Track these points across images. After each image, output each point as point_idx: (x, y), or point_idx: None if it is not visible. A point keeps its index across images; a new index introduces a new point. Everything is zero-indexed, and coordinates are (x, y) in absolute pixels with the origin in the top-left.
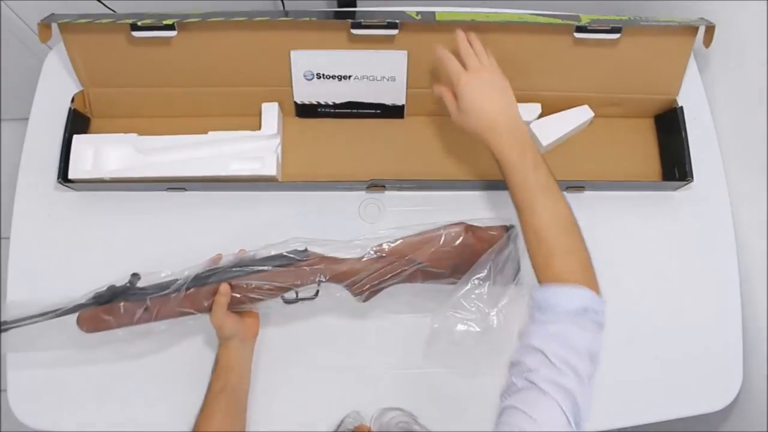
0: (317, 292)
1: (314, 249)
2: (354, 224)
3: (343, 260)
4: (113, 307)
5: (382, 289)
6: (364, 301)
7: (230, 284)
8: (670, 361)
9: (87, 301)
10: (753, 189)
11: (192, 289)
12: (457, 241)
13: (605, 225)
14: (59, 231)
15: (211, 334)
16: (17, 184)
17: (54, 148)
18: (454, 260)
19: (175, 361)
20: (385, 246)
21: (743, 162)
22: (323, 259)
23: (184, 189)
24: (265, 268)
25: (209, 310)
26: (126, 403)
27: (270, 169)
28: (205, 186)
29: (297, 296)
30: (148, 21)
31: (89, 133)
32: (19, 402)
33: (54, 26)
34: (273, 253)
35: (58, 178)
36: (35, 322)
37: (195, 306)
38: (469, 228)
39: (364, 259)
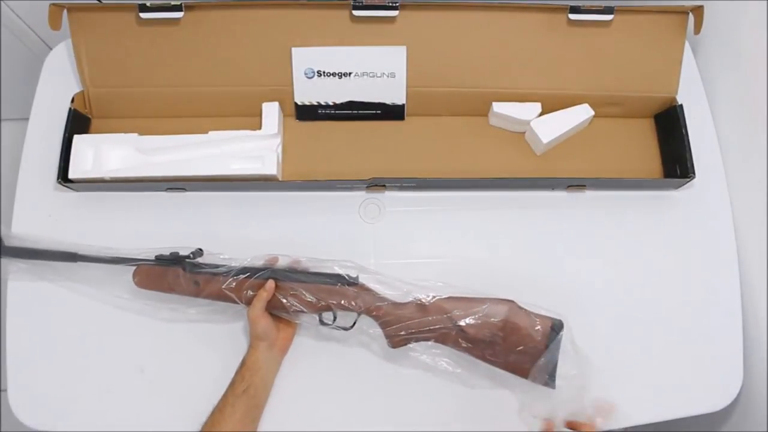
0: (354, 323)
1: (364, 277)
2: (354, 224)
3: (386, 299)
4: (169, 270)
5: (413, 340)
6: (393, 346)
7: (276, 284)
8: (670, 361)
9: (148, 258)
10: (753, 188)
11: (240, 278)
12: (500, 317)
13: (606, 225)
14: (59, 231)
15: (216, 343)
16: (17, 184)
17: (54, 148)
18: (490, 334)
19: (177, 361)
20: (430, 297)
21: (743, 162)
22: (369, 291)
23: (184, 189)
24: (314, 280)
25: (249, 302)
26: (126, 403)
27: (270, 168)
28: (205, 186)
29: (334, 321)
30: (156, 2)
31: (89, 133)
32: (19, 402)
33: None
34: (326, 270)
35: (58, 178)
36: (102, 262)
37: (238, 293)
38: (516, 309)
39: (407, 302)
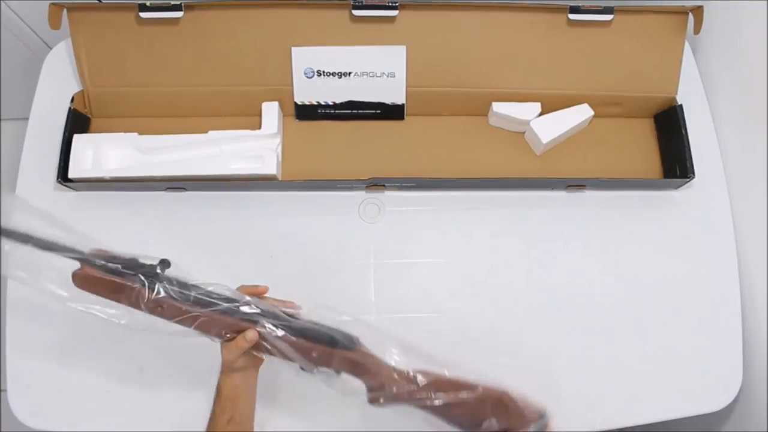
0: (339, 374)
1: (365, 334)
2: (354, 224)
3: (380, 364)
4: (125, 286)
5: (393, 404)
6: (370, 403)
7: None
8: (670, 361)
9: (94, 257)
10: (753, 188)
11: (216, 316)
12: (487, 408)
13: (606, 225)
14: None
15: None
16: (17, 184)
17: (54, 148)
18: (474, 415)
19: (176, 361)
20: (420, 379)
21: (743, 162)
22: (365, 355)
23: (184, 189)
24: (305, 335)
25: (223, 339)
26: (126, 403)
27: (270, 168)
28: (205, 186)
29: (315, 372)
30: (155, 2)
31: (89, 132)
32: (19, 402)
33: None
34: (322, 328)
35: (57, 178)
36: (24, 243)
37: (209, 330)
38: (505, 402)
39: (397, 377)
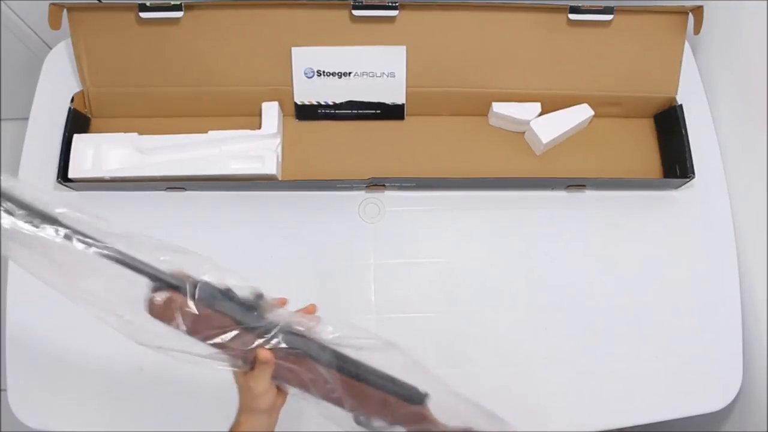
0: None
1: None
2: (354, 224)
3: (434, 419)
4: (222, 314)
5: None
6: None
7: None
8: (670, 361)
9: (173, 279)
10: (753, 188)
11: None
12: None
13: (606, 225)
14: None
15: None
16: None
17: (54, 148)
18: None
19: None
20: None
21: (743, 162)
22: (428, 419)
23: (184, 189)
24: (372, 381)
25: (245, 364)
26: (126, 403)
27: (270, 168)
28: (205, 186)
29: (370, 424)
30: (156, 2)
31: (89, 132)
32: (19, 402)
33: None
34: (390, 372)
35: (57, 178)
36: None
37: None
38: None
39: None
